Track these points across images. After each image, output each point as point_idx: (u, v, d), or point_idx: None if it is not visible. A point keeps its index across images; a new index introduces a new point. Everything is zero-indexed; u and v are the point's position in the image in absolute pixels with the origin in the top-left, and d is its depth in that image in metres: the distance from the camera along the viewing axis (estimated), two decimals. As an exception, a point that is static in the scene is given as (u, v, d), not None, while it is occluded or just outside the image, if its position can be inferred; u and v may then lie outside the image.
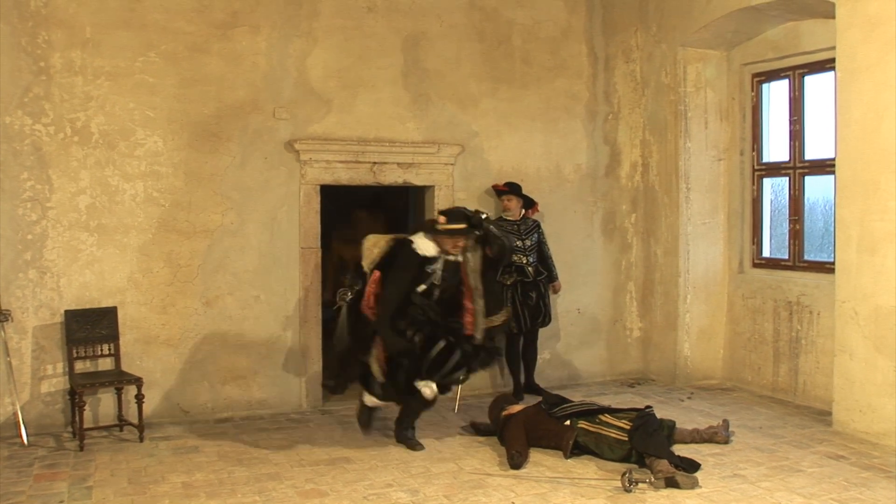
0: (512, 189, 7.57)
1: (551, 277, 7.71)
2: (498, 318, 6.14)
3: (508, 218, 7.53)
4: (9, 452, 5.90)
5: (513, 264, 7.46)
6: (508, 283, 7.44)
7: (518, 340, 7.62)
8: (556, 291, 7.81)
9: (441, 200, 7.63)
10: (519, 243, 7.45)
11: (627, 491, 4.97)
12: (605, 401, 6.99)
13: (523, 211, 7.62)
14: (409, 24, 7.53)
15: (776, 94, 7.83)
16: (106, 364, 6.57)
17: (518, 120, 7.96)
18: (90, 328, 6.43)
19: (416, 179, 7.58)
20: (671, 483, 5.04)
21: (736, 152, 8.07)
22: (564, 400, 6.24)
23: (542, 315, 7.57)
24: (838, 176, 6.37)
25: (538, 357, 7.85)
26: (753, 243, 7.99)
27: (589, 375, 8.32)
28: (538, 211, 7.76)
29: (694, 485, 5.06)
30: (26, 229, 6.38)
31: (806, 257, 7.48)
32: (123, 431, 6.45)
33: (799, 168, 7.50)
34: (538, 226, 7.69)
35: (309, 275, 7.20)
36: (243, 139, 6.98)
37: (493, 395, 7.00)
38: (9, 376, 6.22)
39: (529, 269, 7.47)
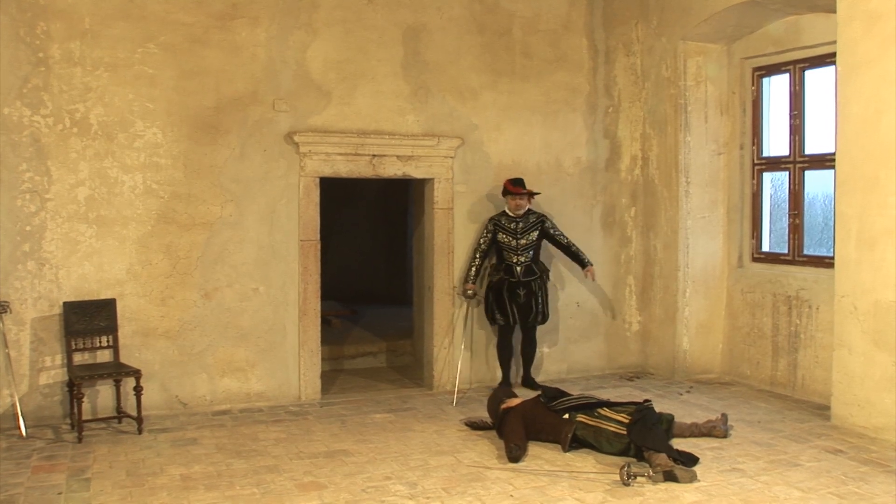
0: (528, 191, 7.48)
1: (583, 264, 7.66)
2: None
3: (512, 214, 7.51)
4: (7, 444, 5.90)
5: (503, 262, 7.45)
6: (494, 279, 7.45)
7: (510, 333, 7.62)
8: (591, 277, 7.72)
9: (440, 193, 7.62)
10: (513, 242, 7.44)
11: (626, 484, 4.97)
12: (603, 394, 7.00)
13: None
14: (409, 16, 7.51)
15: (776, 89, 7.82)
16: (104, 356, 6.56)
17: (518, 113, 7.94)
18: (89, 320, 6.42)
19: (416, 172, 7.57)
20: (669, 477, 5.05)
21: (736, 146, 8.06)
22: (563, 393, 6.24)
23: (532, 314, 7.51)
24: (838, 171, 6.36)
25: (537, 350, 7.85)
26: (753, 237, 7.98)
27: (588, 369, 8.33)
28: (533, 201, 7.72)
29: (692, 478, 5.07)
30: (25, 221, 6.37)
31: (805, 252, 7.48)
32: (122, 423, 6.45)
33: (799, 162, 7.50)
34: (542, 222, 7.60)
35: (308, 267, 7.19)
36: (242, 131, 6.96)
37: (491, 389, 7.00)
38: (7, 368, 6.22)
39: (518, 268, 7.42)
